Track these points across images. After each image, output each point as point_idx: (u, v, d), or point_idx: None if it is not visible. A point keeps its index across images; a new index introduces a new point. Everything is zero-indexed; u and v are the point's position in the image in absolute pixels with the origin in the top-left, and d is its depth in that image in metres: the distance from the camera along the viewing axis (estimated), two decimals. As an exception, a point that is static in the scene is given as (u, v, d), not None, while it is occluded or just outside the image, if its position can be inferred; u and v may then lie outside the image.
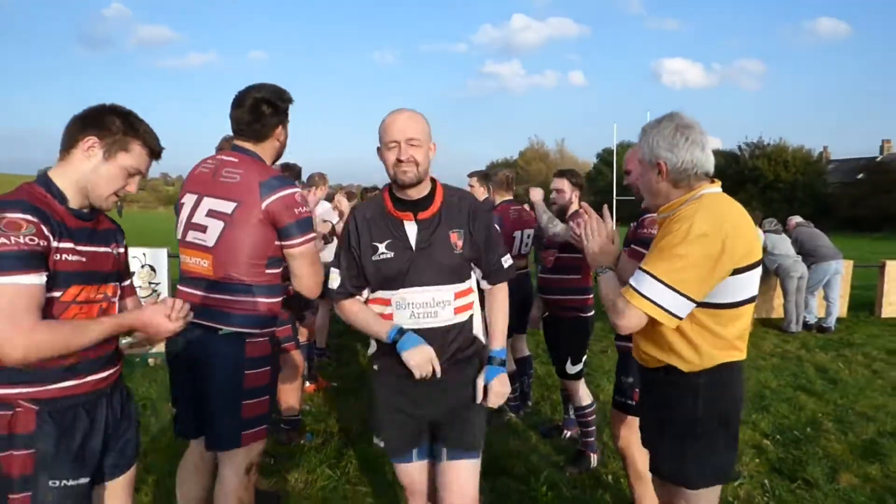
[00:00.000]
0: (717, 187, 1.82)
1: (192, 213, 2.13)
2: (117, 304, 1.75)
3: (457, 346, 1.99)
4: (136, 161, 1.66)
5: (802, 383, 5.26)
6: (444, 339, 1.96)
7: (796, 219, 8.43)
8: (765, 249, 7.58)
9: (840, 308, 8.06)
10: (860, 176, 41.54)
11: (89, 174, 1.61)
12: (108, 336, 1.60)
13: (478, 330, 2.09)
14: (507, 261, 2.11)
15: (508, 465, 3.46)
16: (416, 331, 1.93)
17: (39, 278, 1.48)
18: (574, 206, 3.65)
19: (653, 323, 1.71)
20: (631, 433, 2.65)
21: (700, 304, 1.69)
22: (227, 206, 2.05)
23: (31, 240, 1.46)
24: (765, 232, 7.67)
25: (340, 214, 3.84)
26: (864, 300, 8.93)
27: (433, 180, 2.01)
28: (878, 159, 44.74)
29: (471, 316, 2.05)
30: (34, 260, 1.47)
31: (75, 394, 1.60)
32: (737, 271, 1.69)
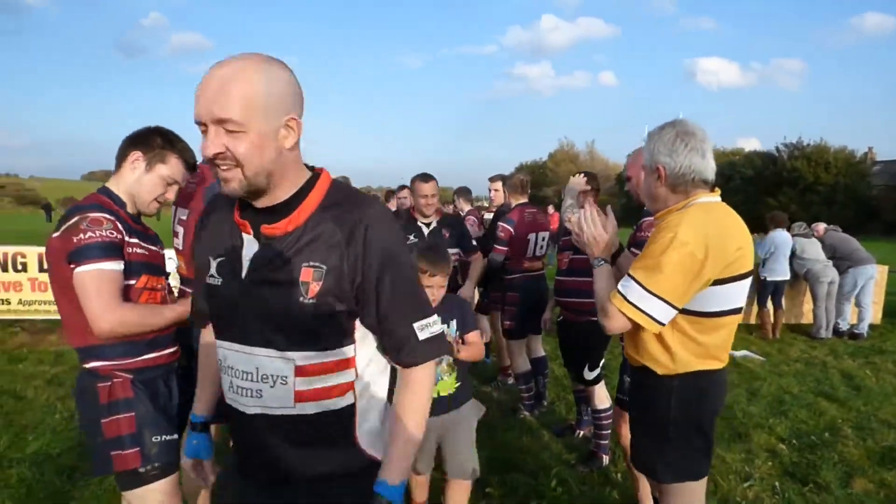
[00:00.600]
0: (715, 196, 1.86)
1: (172, 222, 2.41)
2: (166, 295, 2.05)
3: (307, 455, 1.27)
4: (173, 171, 1.95)
5: (825, 389, 5.21)
6: (276, 435, 1.27)
7: (823, 225, 8.29)
8: (794, 253, 7.47)
9: (874, 314, 7.88)
10: (907, 178, 40.03)
11: (134, 183, 1.92)
12: (177, 321, 1.91)
13: (366, 433, 1.32)
14: (429, 328, 1.30)
15: (519, 461, 3.56)
16: (235, 415, 1.31)
17: (119, 265, 1.77)
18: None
19: (636, 326, 1.78)
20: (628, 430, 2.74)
21: (682, 311, 1.74)
22: (184, 214, 2.32)
23: (111, 233, 1.76)
24: (793, 236, 7.56)
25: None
26: (901, 307, 8.70)
27: (314, 174, 1.29)
28: (927, 160, 43.02)
29: (346, 408, 1.29)
30: (115, 250, 1.76)
31: (157, 364, 1.91)
32: (719, 281, 1.73)
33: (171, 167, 1.95)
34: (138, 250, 1.86)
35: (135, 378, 1.84)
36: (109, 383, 1.81)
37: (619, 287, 1.79)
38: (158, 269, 1.97)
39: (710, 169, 1.82)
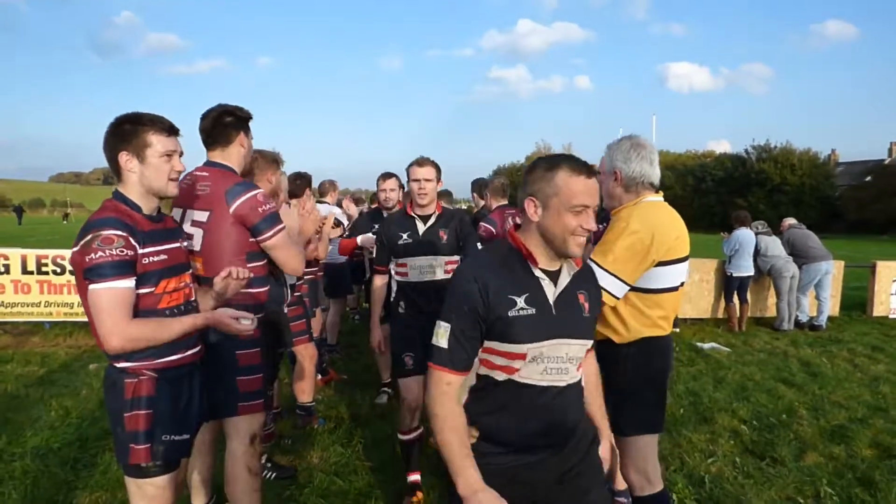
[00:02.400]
0: (659, 197, 2.30)
1: (180, 223, 2.39)
2: (192, 288, 2.11)
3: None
4: (162, 145, 1.91)
5: (784, 376, 5.57)
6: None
7: (790, 220, 8.70)
8: (757, 251, 7.87)
9: (832, 307, 8.34)
10: (868, 178, 41.47)
11: (142, 180, 1.92)
12: (186, 333, 1.94)
13: None
14: None
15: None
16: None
17: (130, 282, 1.82)
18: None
19: None
20: None
21: (632, 288, 2.15)
22: (203, 216, 2.35)
23: (122, 251, 1.79)
24: (756, 234, 7.95)
25: (349, 218, 4.18)
26: (858, 300, 9.19)
27: None
28: (887, 162, 44.64)
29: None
30: (125, 268, 1.80)
31: (181, 364, 1.99)
32: (662, 263, 2.15)
33: (157, 142, 1.90)
34: (155, 258, 1.90)
35: (160, 377, 1.93)
36: (136, 380, 1.90)
37: None
38: (179, 268, 2.02)
39: (656, 175, 2.28)
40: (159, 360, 1.93)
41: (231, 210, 2.32)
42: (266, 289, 2.52)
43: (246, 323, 2.03)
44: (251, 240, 2.40)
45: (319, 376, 4.96)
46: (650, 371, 2.23)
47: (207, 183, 2.38)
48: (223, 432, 2.52)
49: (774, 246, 7.96)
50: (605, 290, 2.06)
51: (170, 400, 1.95)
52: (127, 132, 1.89)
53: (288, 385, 4.30)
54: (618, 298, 2.13)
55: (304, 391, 3.99)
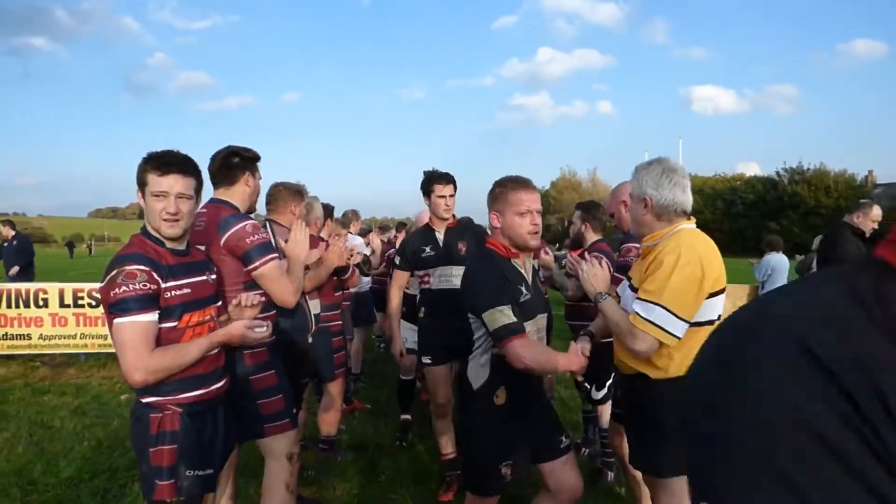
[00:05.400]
0: (692, 224, 2.14)
1: None
2: (218, 322, 2.13)
3: None
4: (153, 186, 1.92)
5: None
6: None
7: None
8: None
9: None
10: (907, 199, 40.20)
11: (148, 216, 1.98)
12: (206, 352, 1.98)
13: None
14: None
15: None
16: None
17: (153, 316, 1.85)
18: (590, 239, 3.84)
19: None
20: (625, 442, 2.92)
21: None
22: (201, 249, 2.36)
23: (144, 285, 1.83)
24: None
25: (373, 250, 4.18)
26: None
27: None
28: (927, 182, 43.26)
29: None
30: (148, 302, 1.84)
31: (205, 399, 2.02)
32: (710, 295, 1.99)
33: (151, 183, 1.93)
34: (178, 292, 1.93)
35: (184, 411, 1.95)
36: (161, 415, 1.92)
37: (640, 311, 1.99)
38: (204, 301, 2.06)
39: (689, 202, 2.11)
40: (185, 395, 1.95)
41: (221, 242, 2.36)
42: (272, 313, 2.52)
43: (260, 331, 2.09)
44: (244, 269, 2.41)
45: (343, 405, 4.96)
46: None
47: (203, 218, 2.42)
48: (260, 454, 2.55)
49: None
50: (669, 332, 1.93)
51: (195, 434, 1.97)
52: (138, 170, 1.96)
53: (313, 415, 4.32)
54: (679, 339, 1.95)
55: (329, 423, 4.00)
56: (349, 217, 5.97)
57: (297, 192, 3.29)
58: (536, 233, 2.27)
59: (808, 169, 45.16)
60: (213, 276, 2.17)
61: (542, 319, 2.39)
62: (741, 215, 47.18)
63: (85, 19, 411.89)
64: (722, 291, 2.05)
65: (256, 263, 2.39)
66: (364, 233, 6.21)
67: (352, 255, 3.73)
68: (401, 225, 9.28)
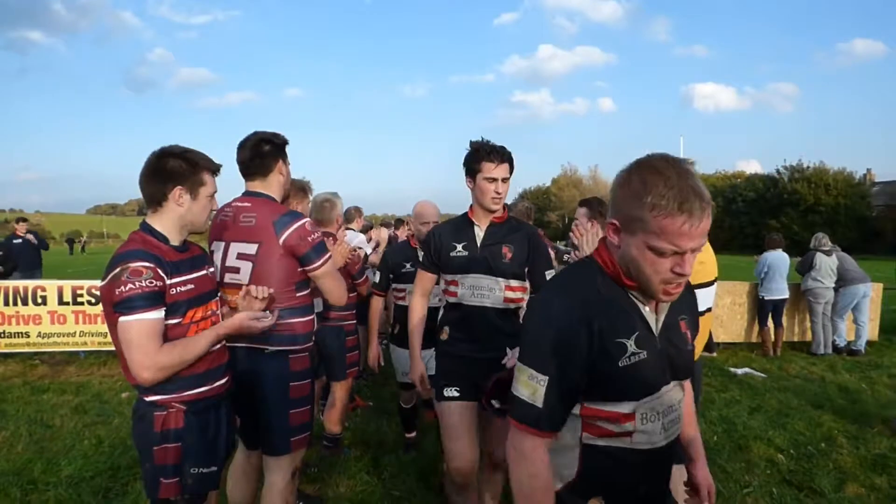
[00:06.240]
0: None
1: (224, 258, 2.35)
2: (220, 315, 2.11)
3: None
4: (211, 187, 2.02)
5: (822, 402, 5.37)
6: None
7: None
8: (812, 268, 7.64)
9: (871, 331, 8.04)
10: (906, 197, 40.28)
11: (187, 215, 1.96)
12: (213, 344, 1.97)
13: None
14: None
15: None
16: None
17: (159, 313, 1.83)
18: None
19: None
20: None
21: None
22: (251, 248, 2.29)
23: (151, 282, 1.80)
24: (815, 251, 7.69)
25: (377, 245, 4.17)
26: (899, 323, 8.86)
27: None
28: (925, 179, 43.32)
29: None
30: (155, 299, 1.81)
31: (208, 396, 1.99)
32: (700, 286, 2.11)
33: (209, 183, 1.99)
34: (182, 288, 1.90)
35: (188, 409, 1.92)
36: (165, 413, 1.90)
37: None
38: (206, 296, 2.02)
39: None
40: (188, 393, 1.93)
41: (280, 241, 2.28)
42: (312, 317, 2.46)
43: (265, 321, 2.10)
44: (299, 269, 2.35)
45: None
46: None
47: (252, 214, 2.33)
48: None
49: (825, 268, 7.64)
50: None
51: (199, 432, 1.95)
52: (185, 169, 1.92)
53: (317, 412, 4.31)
54: None
55: (334, 421, 3.99)
56: (352, 214, 5.96)
57: (301, 188, 3.27)
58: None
59: (808, 167, 45.18)
60: (212, 270, 2.14)
61: (669, 394, 1.40)
62: (741, 213, 47.24)
63: (84, 13, 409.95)
64: (712, 283, 2.21)
65: (317, 263, 2.34)
66: (365, 229, 6.20)
67: (352, 255, 3.72)
68: (399, 222, 9.25)
